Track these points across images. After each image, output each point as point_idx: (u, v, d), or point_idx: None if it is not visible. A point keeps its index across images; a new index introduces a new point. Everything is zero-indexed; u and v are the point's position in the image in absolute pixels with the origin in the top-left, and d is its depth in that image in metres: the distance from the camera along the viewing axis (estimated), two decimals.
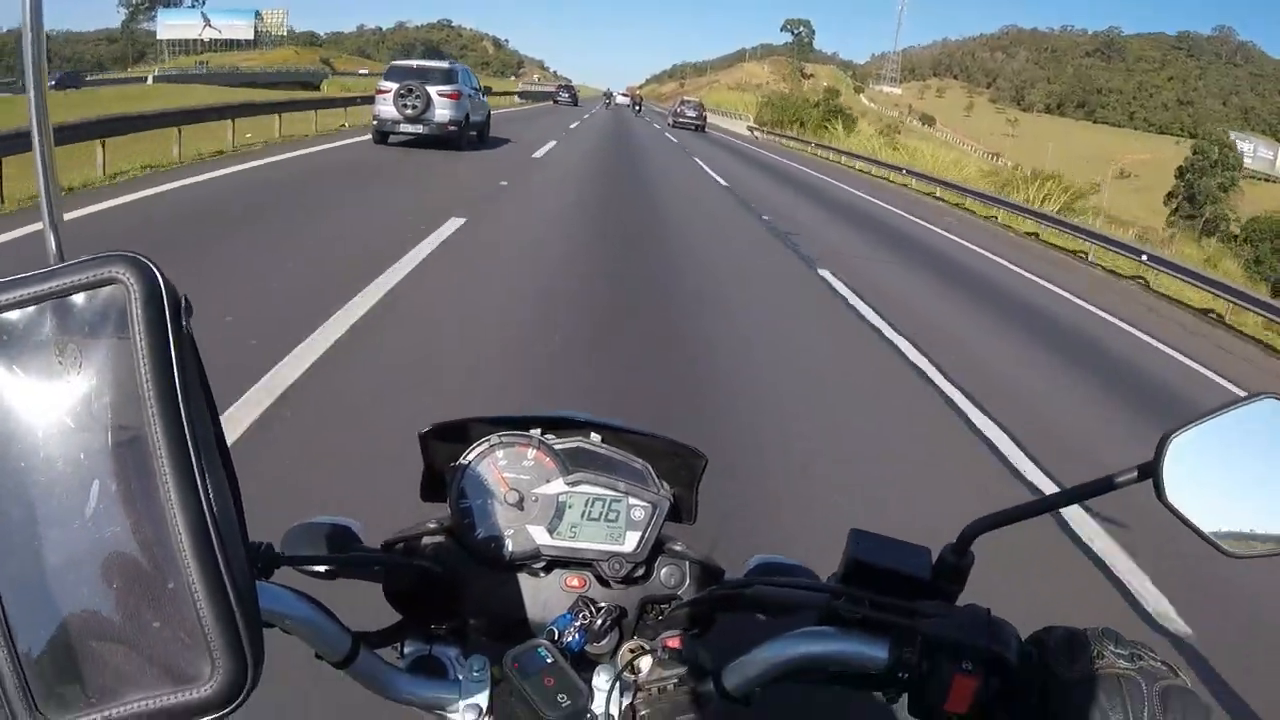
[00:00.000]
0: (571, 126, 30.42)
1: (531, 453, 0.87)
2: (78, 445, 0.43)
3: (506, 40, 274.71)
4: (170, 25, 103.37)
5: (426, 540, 0.88)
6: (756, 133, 43.69)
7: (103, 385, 0.44)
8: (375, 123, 15.25)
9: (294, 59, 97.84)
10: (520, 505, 0.86)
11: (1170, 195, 51.76)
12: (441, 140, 15.31)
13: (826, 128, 43.09)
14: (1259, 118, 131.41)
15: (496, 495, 0.86)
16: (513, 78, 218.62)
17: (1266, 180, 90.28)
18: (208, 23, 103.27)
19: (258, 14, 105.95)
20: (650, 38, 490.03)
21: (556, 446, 0.88)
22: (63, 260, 0.47)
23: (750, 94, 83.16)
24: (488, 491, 0.87)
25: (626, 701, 0.79)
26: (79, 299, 0.44)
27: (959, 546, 0.74)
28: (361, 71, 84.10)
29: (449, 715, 0.80)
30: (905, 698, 0.71)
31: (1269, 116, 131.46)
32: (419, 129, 15.10)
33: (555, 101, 59.53)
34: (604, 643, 0.84)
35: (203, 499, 0.43)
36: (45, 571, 0.43)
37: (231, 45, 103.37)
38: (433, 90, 15.10)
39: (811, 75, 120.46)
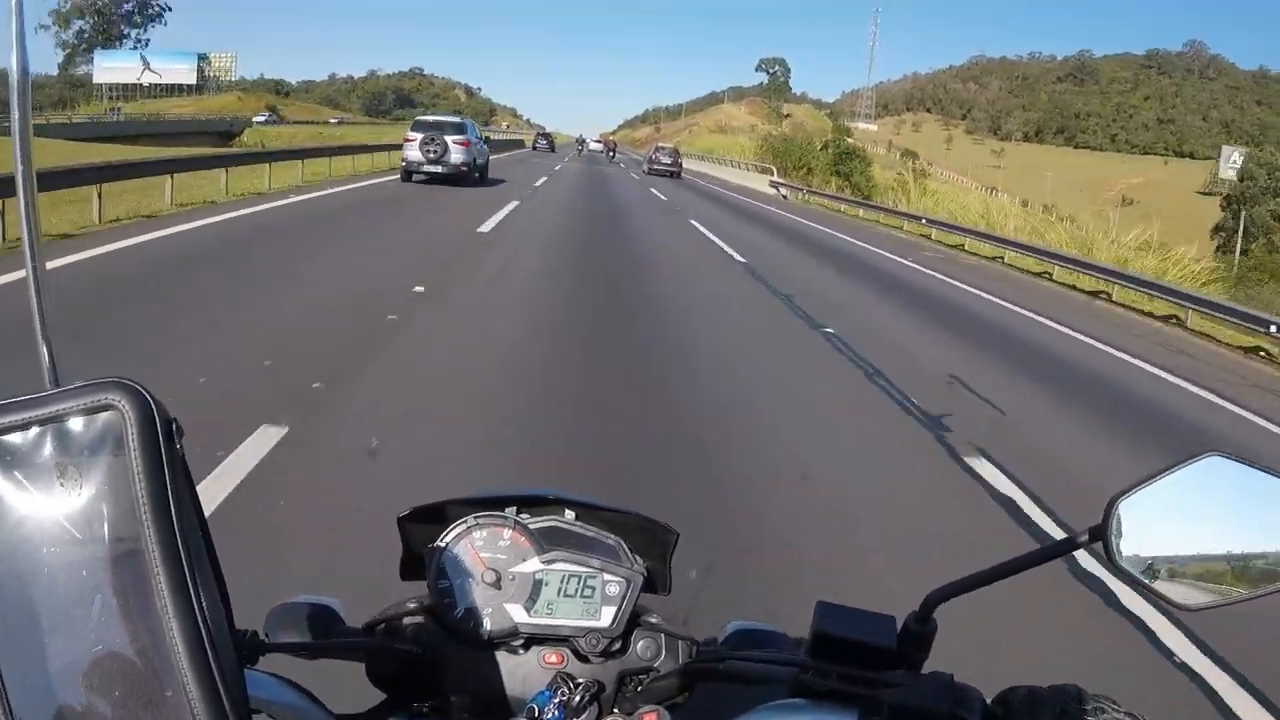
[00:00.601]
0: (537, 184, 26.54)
1: (508, 533, 0.90)
2: (80, 559, 0.47)
3: (479, 88, 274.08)
4: (107, 69, 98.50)
5: (407, 621, 0.90)
6: (782, 189, 35.67)
7: (101, 502, 0.47)
8: (404, 164, 20.22)
9: (236, 105, 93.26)
10: (498, 584, 0.88)
11: (1218, 229, 47.40)
12: (454, 178, 19.91)
13: (839, 173, 40.01)
14: (1241, 130, 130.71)
15: (474, 575, 0.88)
16: (485, 125, 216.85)
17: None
18: (147, 66, 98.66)
19: (202, 57, 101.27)
20: (622, 84, 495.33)
21: (532, 526, 0.90)
22: (56, 375, 0.55)
23: (740, 136, 79.16)
24: (466, 571, 0.88)
25: None
26: (77, 423, 0.48)
27: (921, 614, 0.76)
28: (332, 120, 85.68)
29: None
30: None
31: (1250, 129, 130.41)
32: (438, 169, 19.72)
33: (534, 148, 64.17)
34: (583, 718, 0.84)
35: (196, 610, 0.47)
36: (50, 676, 0.47)
37: (174, 90, 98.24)
38: (449, 139, 19.95)
39: (789, 115, 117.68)
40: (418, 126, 20.85)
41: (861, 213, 27.51)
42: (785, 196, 34.12)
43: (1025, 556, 0.73)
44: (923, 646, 0.78)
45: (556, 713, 0.83)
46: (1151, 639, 3.44)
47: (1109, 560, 0.71)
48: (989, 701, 0.72)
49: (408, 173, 20.17)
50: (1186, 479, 0.72)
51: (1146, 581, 0.72)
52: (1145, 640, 3.42)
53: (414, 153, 19.91)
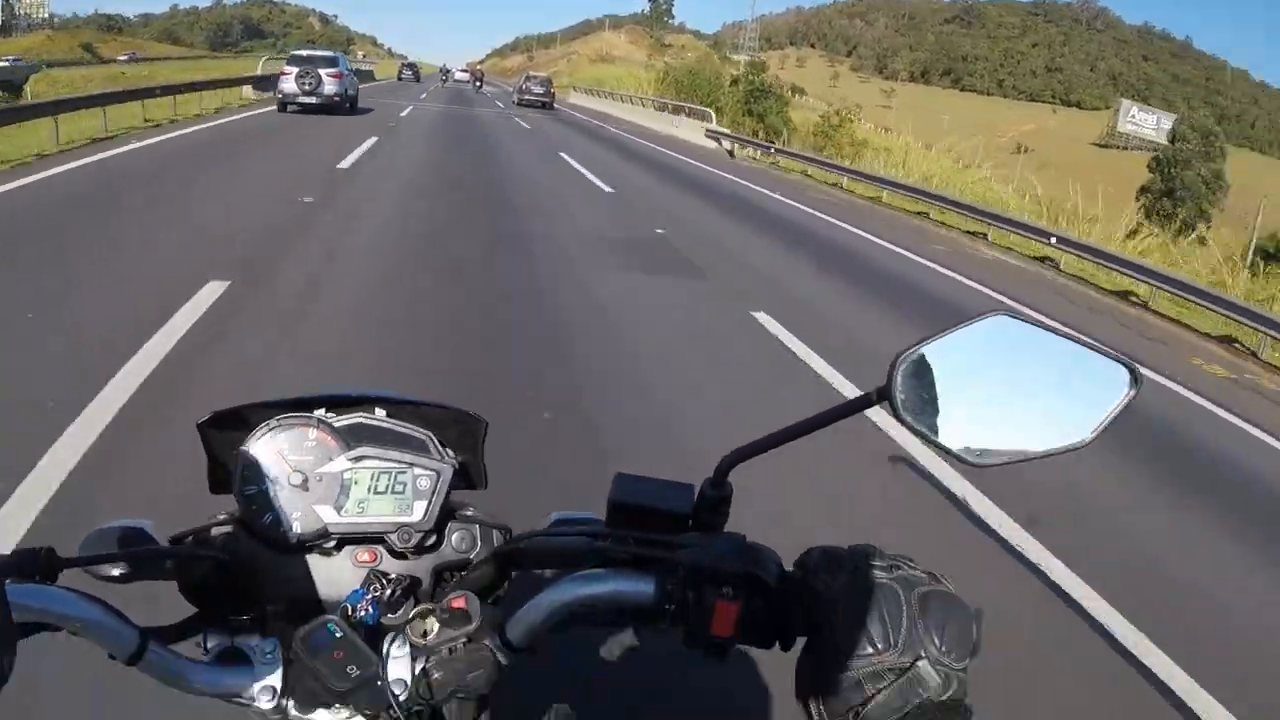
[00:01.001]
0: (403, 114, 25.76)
1: (313, 433, 0.89)
2: None
3: (335, 16, 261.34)
4: None
5: (216, 531, 0.89)
6: (724, 143, 25.63)
7: None
8: (280, 96, 21.10)
9: (46, 45, 78.11)
10: (305, 486, 0.87)
11: (1144, 190, 46.22)
12: (327, 108, 21.17)
13: (752, 113, 34.00)
14: (1127, 84, 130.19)
15: (280, 478, 0.87)
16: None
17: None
18: None
19: None
20: (490, 12, 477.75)
21: (337, 425, 0.89)
22: None
23: (630, 67, 69.49)
24: (271, 476, 0.87)
25: (421, 666, 0.81)
26: None
27: (716, 479, 0.79)
28: (121, 58, 74.02)
29: (244, 701, 0.82)
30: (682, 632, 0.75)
31: (1136, 83, 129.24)
32: (312, 100, 20.94)
33: (399, 78, 62.60)
34: (399, 614, 0.85)
35: None
36: None
37: None
38: (322, 72, 21.20)
39: (670, 45, 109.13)
40: (293, 60, 22.02)
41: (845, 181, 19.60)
42: (731, 153, 24.46)
43: (816, 417, 0.74)
44: (719, 510, 0.79)
45: (370, 609, 0.83)
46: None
47: (895, 415, 0.71)
48: (789, 564, 0.75)
49: (283, 104, 21.10)
50: (974, 336, 0.72)
51: (935, 438, 0.72)
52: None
53: (289, 85, 20.95)
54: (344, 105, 21.94)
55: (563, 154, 18.41)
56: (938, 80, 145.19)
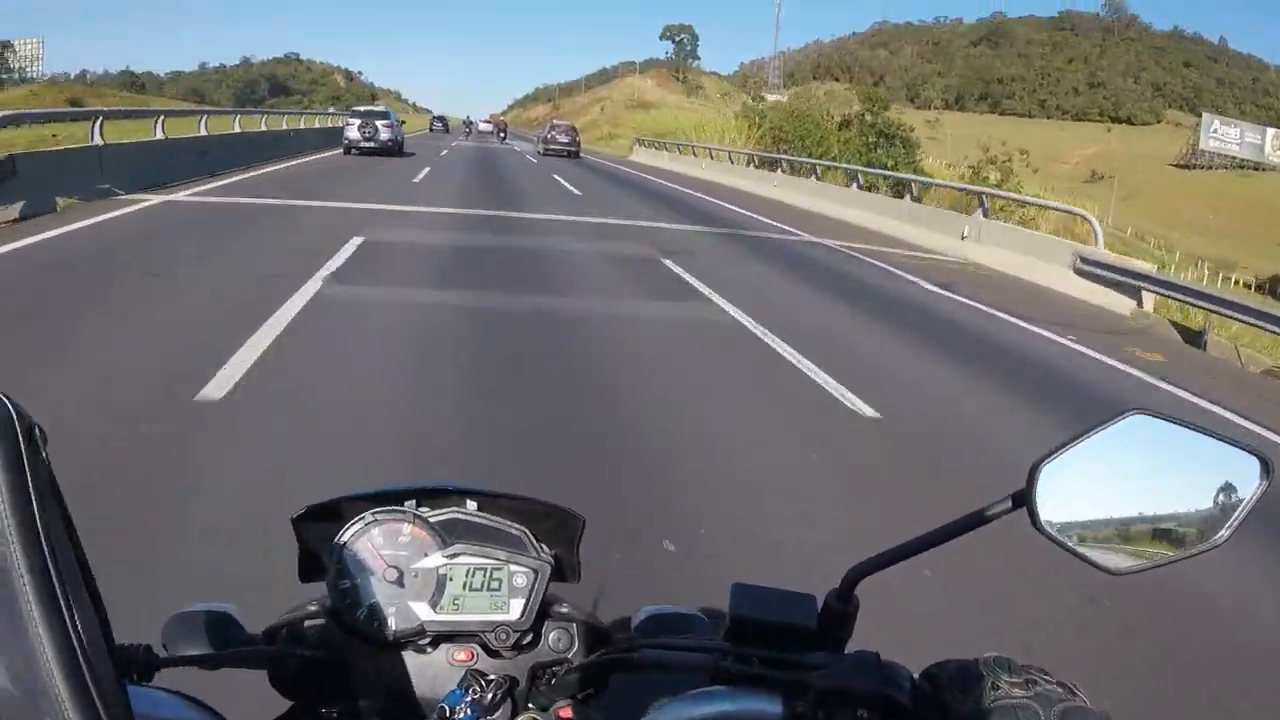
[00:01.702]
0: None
1: (407, 528, 0.88)
2: None
3: (360, 72, 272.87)
4: None
5: (309, 624, 0.88)
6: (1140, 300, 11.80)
7: None
8: (346, 142, 27.53)
9: (27, 100, 73.71)
10: (400, 582, 0.86)
11: None
12: (383, 151, 27.25)
13: (872, 164, 26.78)
14: (1174, 93, 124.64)
15: (375, 573, 0.86)
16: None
17: (1257, 169, 78.10)
18: None
19: (4, 45, 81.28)
20: (508, 63, 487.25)
21: (432, 519, 0.89)
22: None
23: (690, 114, 64.97)
24: (366, 570, 0.86)
25: None
26: None
27: (842, 592, 0.77)
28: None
29: None
30: None
31: (1182, 91, 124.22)
32: (371, 144, 27.17)
33: (431, 130, 69.36)
34: (497, 715, 0.84)
35: (70, 631, 0.45)
36: None
37: None
38: (378, 123, 27.79)
39: (701, 86, 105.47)
40: (355, 114, 29.48)
41: None
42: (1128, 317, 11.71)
43: (946, 528, 0.73)
44: (845, 625, 0.78)
45: (469, 712, 0.82)
46: None
47: (1034, 525, 0.71)
48: (916, 677, 0.73)
49: (348, 148, 27.40)
50: (1109, 439, 0.72)
51: (1071, 546, 0.72)
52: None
53: (354, 133, 27.48)
54: (395, 149, 28.09)
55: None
56: (973, 105, 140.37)
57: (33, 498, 0.45)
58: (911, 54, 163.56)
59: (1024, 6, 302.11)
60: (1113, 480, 0.73)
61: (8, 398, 0.46)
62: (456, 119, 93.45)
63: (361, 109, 31.60)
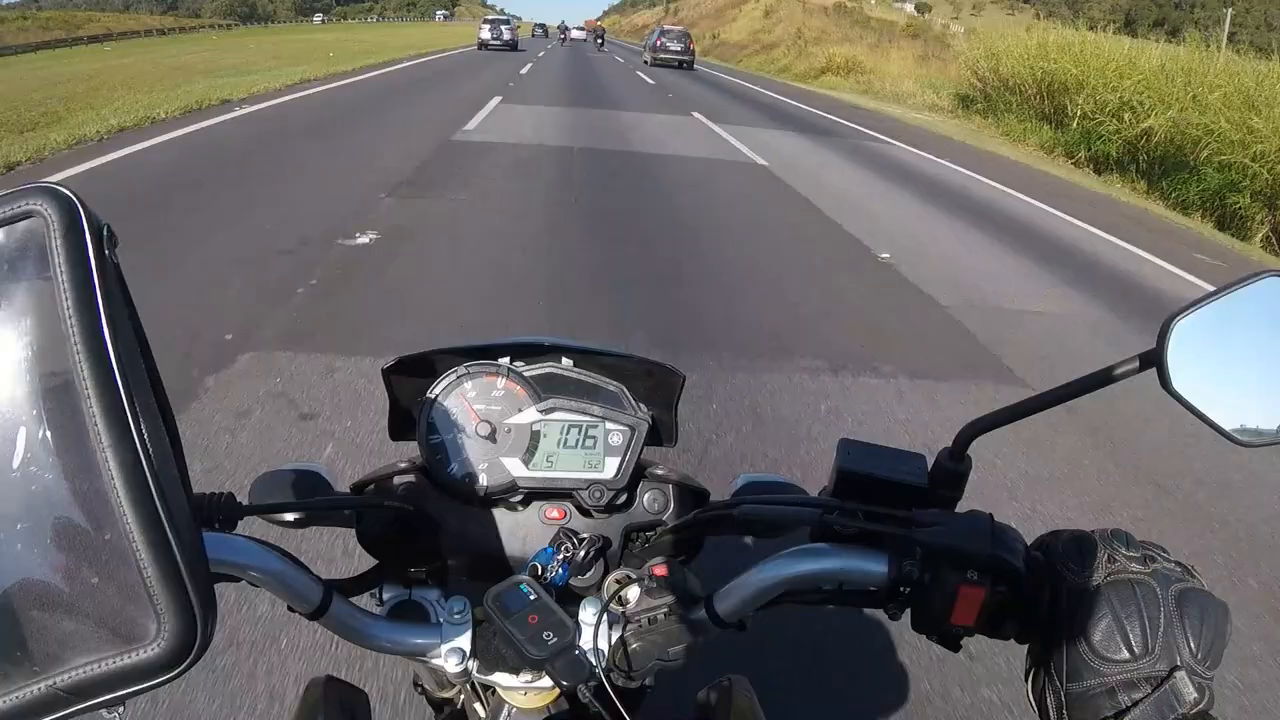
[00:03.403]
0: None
1: (501, 382, 0.89)
2: (1, 393, 0.43)
3: None
4: None
5: (398, 480, 0.89)
6: None
7: (25, 327, 0.43)
8: (480, 40, 40.15)
9: None
10: (493, 437, 0.87)
11: None
12: (506, 48, 39.08)
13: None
14: None
15: (467, 428, 0.87)
16: (441, 15, 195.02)
17: None
18: None
19: None
20: None
21: (527, 374, 0.89)
22: None
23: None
24: (458, 425, 0.88)
25: (616, 635, 0.80)
26: None
27: (955, 450, 0.76)
28: None
29: (431, 660, 0.82)
30: (908, 613, 0.73)
31: None
32: (498, 43, 39.31)
33: (533, 35, 75.05)
34: (589, 575, 0.86)
35: (137, 442, 0.43)
36: None
37: None
38: (503, 27, 40.64)
39: None
40: (486, 22, 42.02)
41: None
42: None
43: (1068, 386, 0.71)
44: (956, 485, 0.76)
45: (561, 570, 0.83)
46: None
47: (1163, 386, 0.69)
48: (1029, 545, 0.72)
49: (481, 45, 39.77)
50: (1242, 299, 0.70)
51: (1201, 410, 0.70)
52: None
53: (486, 34, 40.07)
54: (513, 47, 40.18)
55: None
56: (1147, 32, 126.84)
57: (99, 303, 0.43)
58: None
59: None
60: (1245, 342, 0.71)
61: (77, 196, 0.44)
62: (550, 27, 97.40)
63: (490, 18, 44.69)
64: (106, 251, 0.44)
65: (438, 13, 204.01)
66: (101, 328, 0.42)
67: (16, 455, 0.42)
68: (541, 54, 39.27)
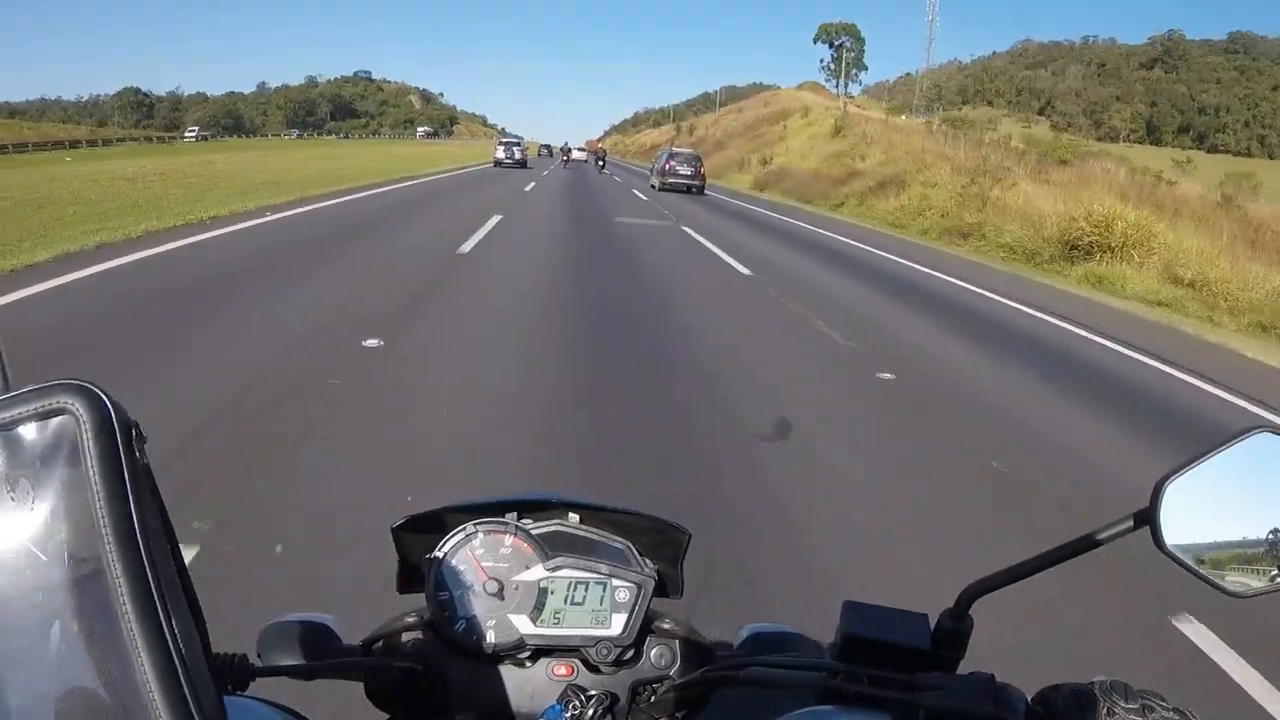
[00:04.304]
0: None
1: (509, 539, 0.90)
2: (35, 582, 0.45)
3: (441, 93, 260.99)
4: None
5: (406, 636, 0.91)
6: None
7: (58, 519, 0.45)
8: (495, 158, 47.95)
9: None
10: (500, 594, 0.88)
11: None
12: (518, 165, 46.40)
13: None
14: None
15: (475, 585, 0.89)
16: (422, 132, 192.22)
17: None
18: None
19: None
20: (603, 88, 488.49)
21: (534, 531, 0.92)
22: (5, 382, 0.53)
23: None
24: (466, 582, 0.89)
25: None
26: (28, 430, 0.46)
27: (957, 611, 0.78)
28: None
29: None
30: None
31: None
32: (510, 160, 46.65)
33: (539, 155, 78.34)
34: None
35: (167, 635, 0.44)
36: (10, 716, 0.44)
37: None
38: (515, 147, 48.30)
39: (861, 106, 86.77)
40: (501, 139, 51.63)
41: None
42: None
43: (1065, 547, 0.74)
44: (958, 646, 0.79)
45: None
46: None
47: (1156, 545, 0.72)
48: (1030, 700, 0.75)
49: (497, 163, 46.68)
50: (1234, 457, 0.72)
51: (1194, 567, 0.73)
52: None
53: (501, 153, 47.48)
54: (523, 164, 47.14)
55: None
56: (1172, 139, 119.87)
57: (130, 500, 0.44)
58: (1077, 75, 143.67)
59: (1190, 25, 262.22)
60: (1237, 499, 0.74)
61: (106, 395, 0.46)
62: (553, 146, 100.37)
63: (505, 139, 52.26)
64: (137, 451, 0.46)
65: (419, 130, 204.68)
66: (133, 525, 0.44)
67: (52, 643, 0.43)
68: (545, 172, 44.66)
